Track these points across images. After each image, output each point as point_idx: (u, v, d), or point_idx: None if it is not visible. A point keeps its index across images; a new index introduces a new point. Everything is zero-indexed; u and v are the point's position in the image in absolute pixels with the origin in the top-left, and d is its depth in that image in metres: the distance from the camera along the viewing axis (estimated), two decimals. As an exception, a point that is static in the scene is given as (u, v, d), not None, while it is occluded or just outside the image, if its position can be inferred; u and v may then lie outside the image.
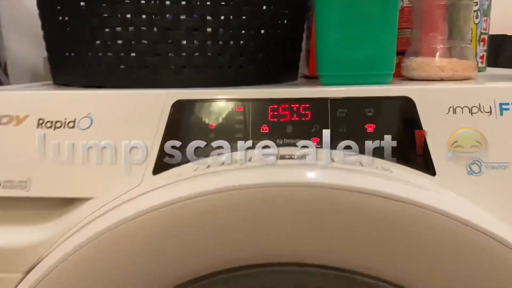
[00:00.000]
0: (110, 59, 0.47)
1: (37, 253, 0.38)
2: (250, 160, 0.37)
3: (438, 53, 0.51)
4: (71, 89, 0.43)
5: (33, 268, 0.37)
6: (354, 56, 0.43)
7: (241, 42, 0.49)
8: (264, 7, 0.49)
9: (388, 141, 0.38)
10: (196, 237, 0.34)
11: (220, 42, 0.48)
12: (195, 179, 0.36)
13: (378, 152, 0.38)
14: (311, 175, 0.33)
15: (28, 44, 0.77)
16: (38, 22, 0.57)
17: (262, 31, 0.50)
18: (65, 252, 0.35)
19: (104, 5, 0.46)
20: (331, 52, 0.43)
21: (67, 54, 0.50)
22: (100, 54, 0.48)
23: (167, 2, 0.46)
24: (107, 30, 0.47)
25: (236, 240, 0.34)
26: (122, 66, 0.47)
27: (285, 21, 0.52)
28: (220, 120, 0.40)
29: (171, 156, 0.39)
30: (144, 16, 0.46)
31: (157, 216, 0.34)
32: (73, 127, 0.40)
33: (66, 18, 0.49)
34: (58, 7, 0.49)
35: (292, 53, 0.57)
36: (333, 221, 0.33)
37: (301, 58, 0.61)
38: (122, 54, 0.47)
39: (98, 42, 0.48)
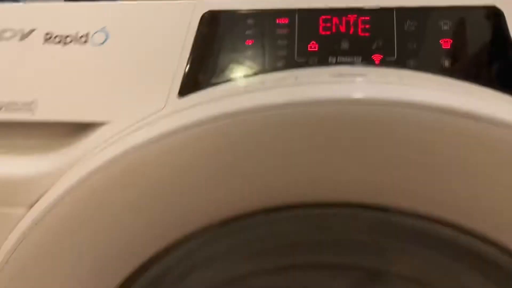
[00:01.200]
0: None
1: (43, 185, 0.32)
2: (296, 79, 0.30)
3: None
4: (82, 1, 0.37)
5: (38, 201, 0.32)
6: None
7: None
8: None
9: (468, 60, 0.31)
10: (227, 165, 0.28)
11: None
12: (229, 98, 0.30)
13: (455, 73, 0.31)
14: (379, 89, 0.26)
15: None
16: None
17: None
18: (73, 181, 0.29)
19: None
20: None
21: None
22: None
23: None
24: None
25: (274, 169, 0.28)
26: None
27: None
28: (259, 34, 0.33)
29: (200, 76, 0.33)
30: None
31: (183, 140, 0.28)
32: (85, 42, 0.34)
33: None
34: None
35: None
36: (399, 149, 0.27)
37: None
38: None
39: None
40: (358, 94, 0.26)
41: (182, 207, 0.30)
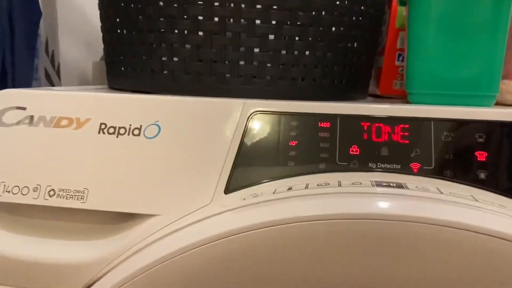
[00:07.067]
0: (175, 64, 0.44)
1: (92, 272, 0.34)
2: (340, 184, 0.32)
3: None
4: (137, 94, 0.40)
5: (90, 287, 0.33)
6: (454, 73, 0.38)
7: (317, 53, 0.45)
8: (345, 17, 0.45)
9: (503, 173, 0.32)
10: (272, 270, 0.29)
11: (296, 52, 0.44)
12: (275, 203, 0.31)
13: (491, 185, 0.32)
14: (419, 209, 0.28)
15: (79, 48, 0.75)
16: (90, 27, 0.54)
17: (340, 42, 0.45)
18: (126, 274, 0.31)
19: (175, 5, 0.43)
20: (426, 68, 0.38)
21: (128, 57, 0.47)
22: (164, 59, 0.44)
23: (243, 5, 0.42)
24: (175, 32, 0.43)
25: (319, 277, 0.29)
26: (188, 73, 0.44)
27: (363, 34, 0.48)
28: (303, 136, 0.35)
29: (246, 173, 0.35)
30: (216, 19, 0.42)
31: (235, 242, 0.29)
32: (138, 134, 0.36)
33: (131, 19, 0.45)
34: (122, 6, 0.46)
35: (366, 69, 0.52)
36: (444, 266, 0.28)
37: (371, 75, 0.56)
38: (188, 60, 0.43)
39: (163, 45, 0.44)
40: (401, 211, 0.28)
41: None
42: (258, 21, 0.43)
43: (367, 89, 0.55)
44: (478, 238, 0.26)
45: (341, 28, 0.45)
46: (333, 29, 0.45)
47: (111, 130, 0.37)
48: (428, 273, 0.27)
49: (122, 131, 0.37)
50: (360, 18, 0.47)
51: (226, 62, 0.43)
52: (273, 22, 0.42)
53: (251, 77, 0.43)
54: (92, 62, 0.79)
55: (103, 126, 0.37)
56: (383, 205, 0.28)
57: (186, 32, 0.43)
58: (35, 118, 0.38)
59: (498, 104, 0.45)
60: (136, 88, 0.46)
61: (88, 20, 0.71)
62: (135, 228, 0.35)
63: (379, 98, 0.56)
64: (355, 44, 0.47)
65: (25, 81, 0.54)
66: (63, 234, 0.36)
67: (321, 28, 0.44)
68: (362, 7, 0.46)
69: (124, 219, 0.36)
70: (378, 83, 0.56)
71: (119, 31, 0.48)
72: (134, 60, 0.46)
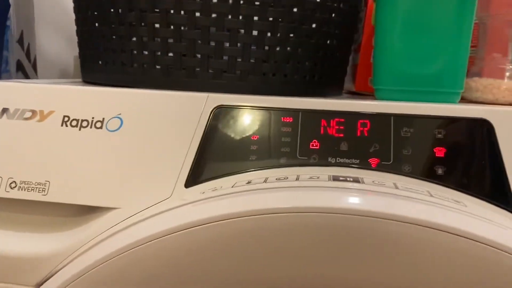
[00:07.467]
0: (145, 58, 0.44)
1: (51, 264, 0.33)
2: (297, 179, 0.32)
3: (507, 75, 0.45)
4: (100, 87, 0.40)
5: (46, 281, 0.33)
6: (419, 70, 0.38)
7: (288, 48, 0.45)
8: (317, 13, 0.45)
9: (460, 169, 0.33)
10: (226, 263, 0.29)
11: (266, 47, 0.44)
12: (232, 197, 0.31)
13: (448, 181, 0.32)
14: (371, 203, 0.28)
15: (60, 42, 0.75)
16: (71, 21, 0.54)
17: (312, 38, 0.45)
18: (84, 266, 0.30)
19: (144, -1, 0.42)
20: (393, 65, 0.39)
21: (99, 50, 0.47)
22: (134, 52, 0.44)
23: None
24: (144, 26, 0.43)
25: (270, 269, 0.29)
26: (157, 66, 0.43)
27: (336, 30, 0.48)
28: (265, 131, 0.35)
29: (206, 167, 0.35)
30: (184, 13, 0.42)
31: (190, 235, 0.29)
32: (100, 127, 0.36)
33: (102, 12, 0.45)
34: (94, 0, 0.46)
35: (340, 65, 0.52)
36: (393, 258, 0.28)
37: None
38: (158, 53, 0.43)
39: (134, 39, 0.44)
40: (353, 206, 0.28)
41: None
42: (228, 16, 0.42)
43: (342, 85, 0.55)
44: (425, 232, 0.26)
45: (313, 24, 0.45)
46: (304, 24, 0.45)
47: (74, 123, 0.37)
48: (373, 265, 0.27)
49: (84, 123, 0.37)
50: (333, 15, 0.47)
51: (196, 56, 0.43)
52: (243, 16, 0.42)
53: (221, 72, 0.43)
54: (73, 57, 0.78)
55: (66, 119, 0.37)
56: (334, 199, 0.28)
57: (156, 25, 0.43)
58: (-2, 110, 0.38)
59: (468, 101, 0.45)
60: (108, 81, 0.46)
61: (68, 14, 0.70)
62: (95, 221, 0.35)
63: (354, 94, 0.56)
64: (328, 40, 0.47)
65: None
66: (23, 227, 0.36)
67: (292, 24, 0.44)
68: (335, 4, 0.46)
69: (85, 212, 0.36)
70: (354, 80, 0.57)
71: (91, 24, 0.47)
72: (105, 53, 0.46)
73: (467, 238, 0.26)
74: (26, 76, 0.62)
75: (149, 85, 0.42)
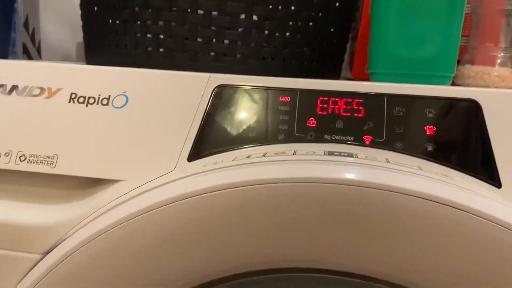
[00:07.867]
0: (148, 41, 0.45)
1: (58, 234, 0.35)
2: (295, 153, 0.34)
3: (498, 62, 0.47)
4: (107, 66, 0.41)
5: (53, 249, 0.34)
6: (412, 54, 0.39)
7: (287, 33, 0.46)
8: (314, 0, 0.46)
9: (449, 146, 0.34)
10: (226, 231, 0.31)
11: (266, 32, 0.45)
12: (233, 169, 0.33)
13: (437, 157, 0.34)
14: (363, 174, 0.29)
15: (64, 28, 0.76)
16: (74, 8, 0.55)
17: (310, 24, 0.47)
18: (88, 235, 0.32)
19: (149, -17, 0.44)
20: (387, 49, 0.40)
21: (103, 33, 0.48)
22: (138, 35, 0.46)
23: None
24: (147, 10, 0.45)
25: (266, 238, 0.31)
26: (161, 49, 0.45)
27: (334, 17, 0.49)
28: (264, 109, 0.37)
29: (208, 143, 0.36)
30: (188, -2, 0.44)
31: (190, 204, 0.31)
32: (106, 104, 0.38)
33: (107, -4, 0.47)
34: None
35: (338, 52, 0.54)
36: (382, 226, 0.30)
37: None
38: (162, 37, 0.45)
39: (138, 22, 0.46)
40: (347, 176, 0.30)
41: (184, 262, 0.33)
42: (229, 1, 0.44)
43: (339, 72, 0.56)
44: (410, 200, 0.28)
45: (311, 11, 0.47)
46: (303, 11, 0.46)
47: (81, 100, 0.38)
48: (365, 234, 0.29)
49: (91, 100, 0.38)
50: (330, 2, 0.48)
51: (198, 39, 0.45)
52: (244, 1, 0.44)
53: (222, 55, 0.45)
54: (76, 43, 0.80)
55: (73, 96, 0.38)
56: (330, 170, 0.30)
57: (159, 9, 0.44)
58: (8, 87, 0.39)
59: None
60: (111, 64, 0.47)
61: (72, 0, 0.72)
62: (101, 192, 0.36)
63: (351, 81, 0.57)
64: (326, 27, 0.49)
65: (1, 52, 0.55)
66: (32, 198, 0.37)
67: (291, 9, 0.46)
68: (333, -9, 0.48)
69: (91, 184, 0.37)
70: (351, 67, 0.58)
71: (95, 8, 0.49)
72: (109, 37, 0.48)
73: (448, 205, 0.27)
74: (31, 60, 0.63)
75: (152, 67, 0.44)
